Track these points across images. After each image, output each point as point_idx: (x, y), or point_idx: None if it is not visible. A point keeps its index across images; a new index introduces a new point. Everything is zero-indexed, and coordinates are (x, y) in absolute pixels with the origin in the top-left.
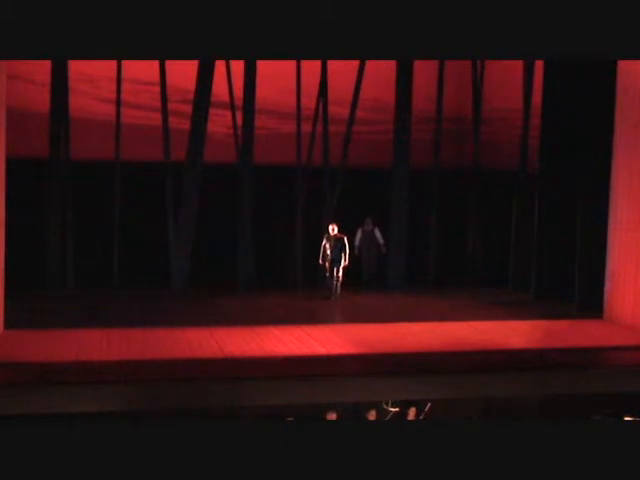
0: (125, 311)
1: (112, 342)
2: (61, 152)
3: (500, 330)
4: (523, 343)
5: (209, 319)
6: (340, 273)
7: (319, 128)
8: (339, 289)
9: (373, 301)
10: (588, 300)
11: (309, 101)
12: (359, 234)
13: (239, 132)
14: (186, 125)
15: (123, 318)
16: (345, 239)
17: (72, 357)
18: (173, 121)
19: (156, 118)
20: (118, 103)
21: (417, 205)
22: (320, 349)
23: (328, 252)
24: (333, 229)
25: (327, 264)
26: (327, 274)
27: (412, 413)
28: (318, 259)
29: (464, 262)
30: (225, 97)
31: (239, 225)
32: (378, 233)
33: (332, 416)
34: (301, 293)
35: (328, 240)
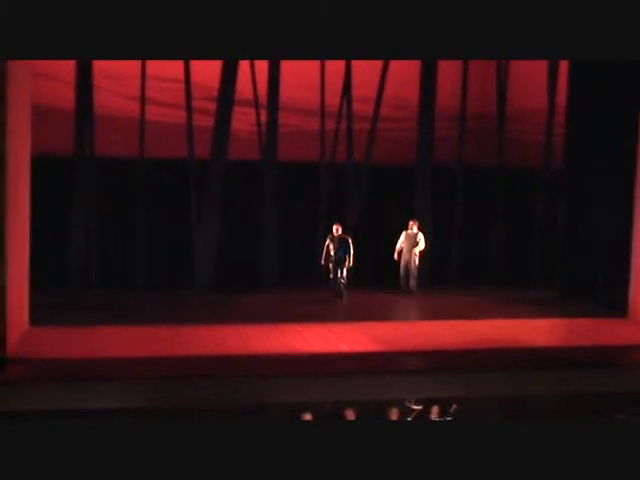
0: (149, 309)
1: (137, 340)
2: (86, 149)
3: (524, 328)
4: (547, 341)
5: (233, 317)
6: (345, 274)
7: (343, 125)
8: (345, 291)
9: (396, 299)
10: (613, 299)
11: (333, 98)
12: (402, 237)
13: (263, 129)
14: (210, 122)
15: (147, 316)
16: (349, 239)
17: (96, 354)
18: (197, 118)
19: (180, 115)
20: (143, 100)
21: (441, 203)
22: (343, 347)
23: (332, 253)
24: (337, 229)
25: (331, 265)
26: (331, 275)
27: (435, 412)
28: (321, 259)
29: (488, 260)
30: (249, 94)
31: (263, 222)
32: (421, 237)
33: (351, 414)
34: (325, 291)
35: (332, 240)
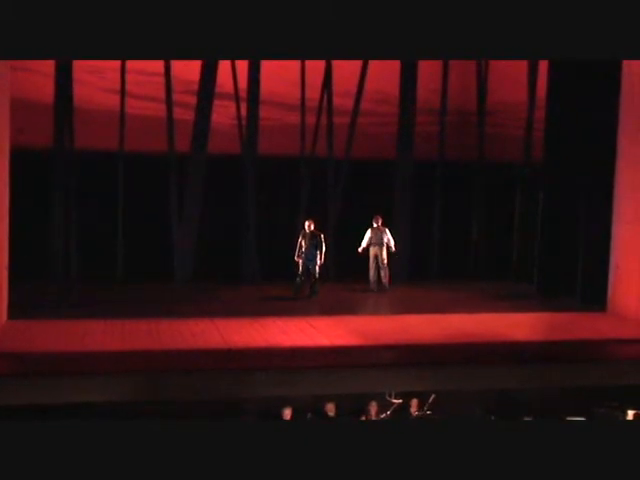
0: (128, 303)
1: (115, 333)
2: (65, 142)
3: (503, 322)
4: (526, 335)
5: (213, 311)
6: (316, 272)
7: (323, 119)
8: (316, 288)
9: (376, 293)
10: (592, 293)
11: (313, 92)
12: (369, 234)
13: (243, 123)
14: (190, 116)
15: (126, 310)
16: (322, 236)
17: (75, 348)
18: (177, 112)
19: (160, 109)
20: (122, 93)
21: (421, 197)
22: (323, 340)
23: (302, 249)
24: (309, 225)
25: (300, 261)
26: (299, 271)
27: (415, 405)
28: (294, 256)
29: (467, 254)
30: (229, 88)
31: (242, 215)
32: (388, 234)
33: (331, 407)
34: (305, 285)
35: (304, 237)
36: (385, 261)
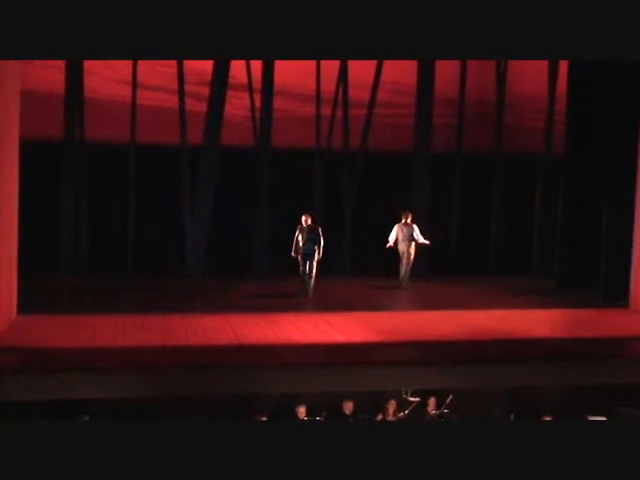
0: (139, 297)
1: (125, 328)
2: (76, 134)
3: (522, 319)
4: (546, 332)
5: (225, 306)
6: (314, 268)
7: (339, 111)
8: (312, 285)
9: (392, 289)
10: (614, 289)
11: (329, 84)
12: (396, 230)
13: (257, 115)
14: (203, 107)
15: (137, 304)
16: (319, 230)
17: (84, 343)
18: (190, 103)
19: (172, 100)
20: (134, 84)
21: (438, 190)
22: (339, 337)
23: (300, 244)
24: (306, 219)
25: (299, 257)
26: (300, 269)
27: (432, 404)
28: (291, 251)
29: (486, 249)
30: (243, 79)
31: (256, 209)
32: (417, 230)
33: (349, 406)
34: (318, 281)
35: (301, 231)
36: (412, 257)
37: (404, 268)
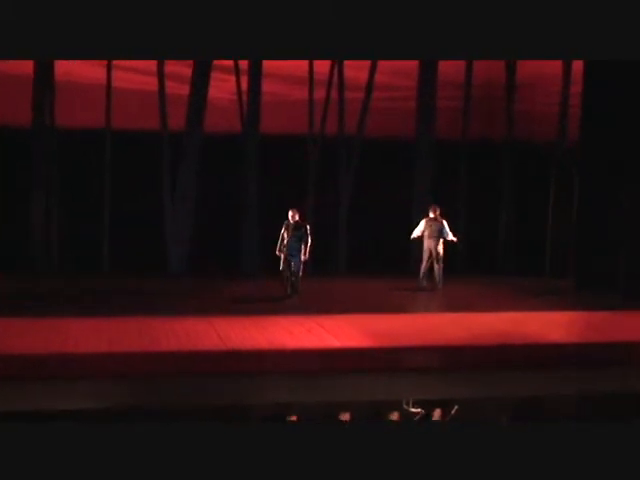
0: (116, 298)
1: (102, 333)
2: (46, 120)
3: (536, 322)
4: (562, 337)
5: (210, 308)
6: (299, 268)
7: (334, 94)
8: (297, 286)
9: (393, 288)
10: (635, 289)
11: (322, 64)
12: (423, 224)
13: (244, 98)
14: (185, 90)
15: (114, 306)
16: (307, 227)
17: (58, 349)
18: (170, 86)
19: (151, 82)
20: (109, 65)
21: (443, 181)
22: (334, 342)
23: (285, 242)
24: (293, 215)
25: (282, 255)
26: (281, 267)
27: (438, 415)
28: (276, 249)
29: (496, 246)
30: (229, 60)
31: (243, 202)
32: (446, 226)
33: (346, 416)
34: (312, 278)
35: (287, 228)
36: (441, 255)
37: (425, 265)
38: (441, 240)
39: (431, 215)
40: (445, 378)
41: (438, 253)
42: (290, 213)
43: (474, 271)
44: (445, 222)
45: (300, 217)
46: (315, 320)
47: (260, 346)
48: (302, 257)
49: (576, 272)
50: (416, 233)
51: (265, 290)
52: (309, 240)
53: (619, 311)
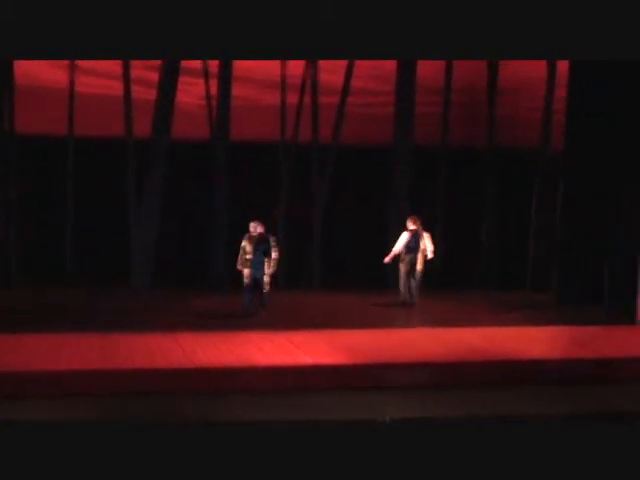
0: (78, 312)
1: (62, 349)
2: (4, 125)
3: (517, 337)
4: (544, 352)
5: (175, 323)
6: (265, 283)
7: (307, 99)
8: (265, 302)
9: (367, 302)
10: (619, 303)
11: (295, 67)
12: (405, 238)
13: (213, 103)
14: (151, 95)
15: (75, 320)
16: (271, 240)
17: (16, 367)
18: (136, 90)
19: (116, 87)
20: (71, 68)
21: (421, 190)
22: (305, 358)
23: (247, 256)
24: (255, 227)
25: (246, 271)
26: (245, 281)
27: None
28: (236, 264)
29: (476, 258)
30: (197, 63)
31: (212, 212)
32: (427, 239)
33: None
34: (284, 292)
35: (248, 241)
36: (419, 270)
37: (404, 281)
38: (420, 255)
39: (412, 227)
40: (419, 396)
41: (419, 268)
42: (252, 225)
43: (451, 283)
44: (427, 235)
45: (264, 229)
46: (285, 336)
47: (228, 363)
48: (267, 271)
49: (559, 285)
50: (398, 247)
51: (233, 304)
52: (274, 254)
53: (603, 326)
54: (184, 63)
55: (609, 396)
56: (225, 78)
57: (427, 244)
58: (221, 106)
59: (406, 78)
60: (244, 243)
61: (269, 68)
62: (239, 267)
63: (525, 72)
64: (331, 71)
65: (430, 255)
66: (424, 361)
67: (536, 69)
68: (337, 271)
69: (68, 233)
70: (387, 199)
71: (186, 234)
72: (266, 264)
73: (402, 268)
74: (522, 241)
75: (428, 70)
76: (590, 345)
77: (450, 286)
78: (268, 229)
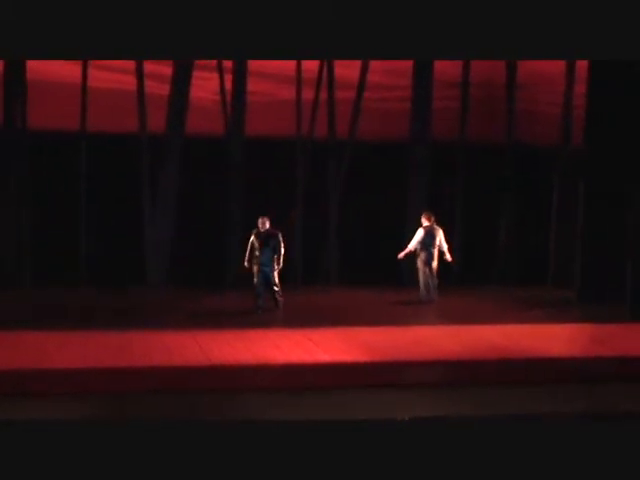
0: (93, 311)
1: (78, 347)
2: (17, 121)
3: (537, 335)
4: (565, 351)
5: (192, 321)
6: (276, 280)
7: (323, 94)
8: (279, 300)
9: (386, 299)
10: None
11: (311, 62)
12: (420, 234)
13: (228, 99)
14: (165, 90)
15: (91, 319)
16: (279, 236)
17: (31, 365)
18: (150, 85)
19: (130, 82)
20: (85, 64)
21: (439, 186)
22: (323, 356)
23: (256, 252)
24: (263, 223)
25: (255, 268)
26: (255, 280)
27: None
28: (244, 260)
29: (495, 254)
30: None
31: (227, 208)
32: (441, 235)
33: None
34: (301, 289)
35: (257, 237)
36: (435, 267)
37: (424, 279)
38: (435, 251)
39: (426, 223)
40: (438, 394)
41: (434, 265)
42: (260, 221)
43: (471, 281)
44: (441, 231)
45: (271, 225)
46: (302, 333)
47: (245, 361)
48: (276, 267)
49: (580, 282)
50: (413, 244)
51: (248, 301)
52: (282, 250)
53: (625, 323)
54: (198, 60)
55: (625, 394)
56: (240, 73)
57: (442, 240)
58: (236, 101)
59: (423, 72)
60: (252, 239)
61: (284, 63)
62: (246, 264)
63: (544, 67)
64: (347, 66)
65: (447, 256)
66: (442, 359)
67: (555, 64)
68: (354, 268)
69: (82, 230)
70: (404, 195)
71: (201, 231)
72: (274, 260)
73: (420, 265)
74: (542, 236)
75: (445, 64)
76: (609, 343)
77: (469, 282)
78: (281, 227)
